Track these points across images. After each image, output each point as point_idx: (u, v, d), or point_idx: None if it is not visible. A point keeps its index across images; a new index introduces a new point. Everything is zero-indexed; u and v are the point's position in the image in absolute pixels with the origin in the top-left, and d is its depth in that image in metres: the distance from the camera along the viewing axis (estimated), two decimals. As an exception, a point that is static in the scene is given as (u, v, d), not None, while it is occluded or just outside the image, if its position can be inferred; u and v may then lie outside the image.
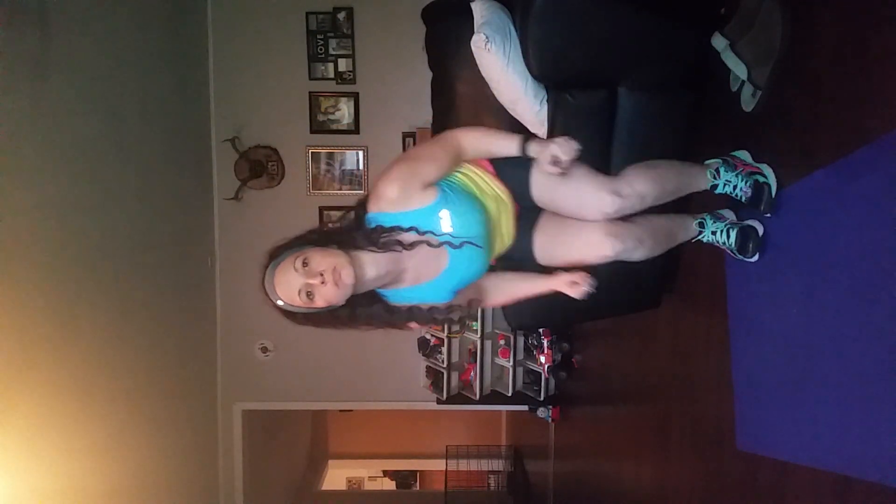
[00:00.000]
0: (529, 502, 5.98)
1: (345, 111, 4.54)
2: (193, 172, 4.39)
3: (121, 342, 3.26)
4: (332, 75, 4.49)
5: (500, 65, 2.01)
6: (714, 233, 1.90)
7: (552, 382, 4.95)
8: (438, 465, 7.48)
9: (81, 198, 2.97)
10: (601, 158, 2.17)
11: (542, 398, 4.97)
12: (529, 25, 1.97)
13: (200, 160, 4.47)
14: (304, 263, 1.39)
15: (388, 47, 4.45)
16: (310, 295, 1.39)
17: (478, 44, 2.00)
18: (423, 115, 3.92)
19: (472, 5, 2.12)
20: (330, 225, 1.56)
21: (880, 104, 1.39)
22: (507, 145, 1.58)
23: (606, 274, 2.42)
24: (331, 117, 4.56)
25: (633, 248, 1.69)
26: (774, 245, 1.82)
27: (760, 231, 1.83)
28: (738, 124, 2.06)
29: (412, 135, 4.50)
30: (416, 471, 9.70)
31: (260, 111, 4.56)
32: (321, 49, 4.47)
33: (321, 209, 4.62)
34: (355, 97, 4.51)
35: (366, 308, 1.51)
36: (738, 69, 1.92)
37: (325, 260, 1.40)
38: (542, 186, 1.70)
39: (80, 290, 2.92)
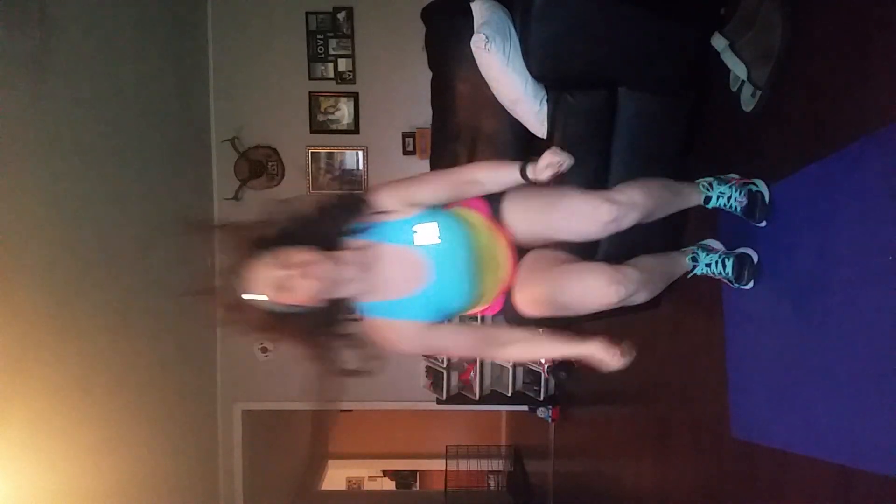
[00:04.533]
0: (529, 502, 5.97)
1: (345, 111, 4.54)
2: (193, 172, 4.39)
3: (120, 342, 3.25)
4: (331, 75, 4.49)
5: (500, 65, 2.02)
6: (709, 265, 1.90)
7: (552, 382, 4.94)
8: (438, 465, 7.47)
9: (81, 198, 2.97)
10: (601, 159, 2.18)
11: (541, 398, 4.97)
12: (529, 25, 1.98)
13: (200, 160, 4.47)
14: (280, 257, 1.37)
15: (388, 47, 4.45)
16: (285, 289, 1.35)
17: (478, 44, 2.00)
18: (423, 115, 3.91)
19: (472, 5, 2.12)
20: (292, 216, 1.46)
21: (880, 104, 1.39)
22: (510, 172, 1.54)
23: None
24: (331, 117, 4.55)
25: (636, 291, 1.60)
26: (770, 238, 1.82)
27: (755, 258, 1.83)
28: (737, 124, 2.06)
29: (412, 135, 4.50)
30: (416, 471, 9.69)
31: (260, 111, 4.55)
32: (321, 49, 4.47)
33: (321, 209, 4.62)
34: (355, 97, 4.51)
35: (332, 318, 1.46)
36: (738, 69, 1.93)
37: (302, 255, 1.38)
38: (529, 219, 1.65)
39: (80, 289, 2.92)
